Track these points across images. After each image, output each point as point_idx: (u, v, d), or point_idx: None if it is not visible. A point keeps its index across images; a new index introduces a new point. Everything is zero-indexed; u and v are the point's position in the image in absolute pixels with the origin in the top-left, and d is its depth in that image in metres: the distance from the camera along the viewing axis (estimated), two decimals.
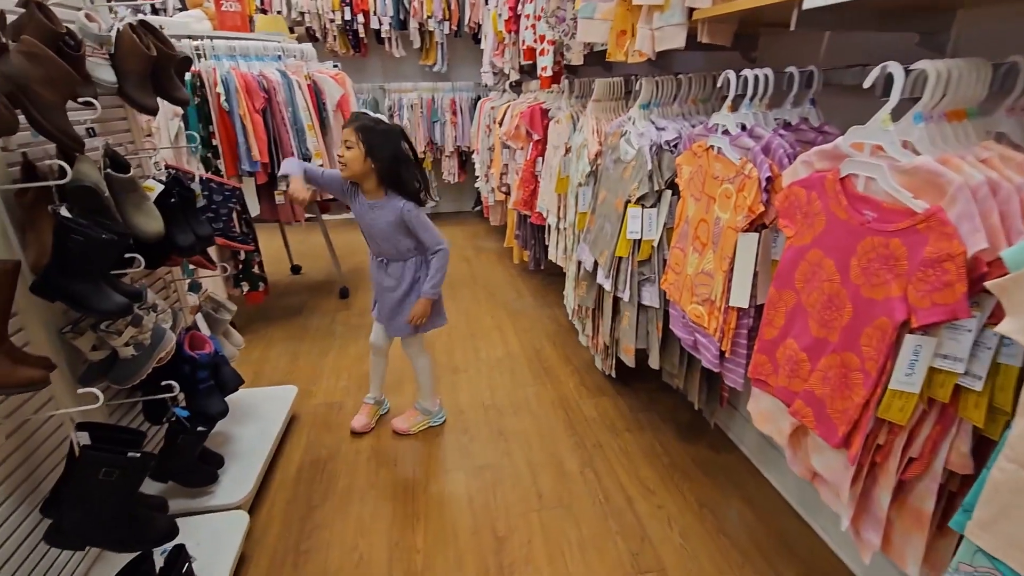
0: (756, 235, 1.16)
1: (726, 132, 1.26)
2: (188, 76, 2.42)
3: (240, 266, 2.78)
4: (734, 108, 1.26)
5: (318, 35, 4.63)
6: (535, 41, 2.41)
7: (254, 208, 2.87)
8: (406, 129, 4.85)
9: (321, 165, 2.84)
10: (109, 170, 1.29)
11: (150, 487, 1.59)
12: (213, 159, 2.52)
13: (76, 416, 1.27)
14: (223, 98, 2.44)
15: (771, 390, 1.08)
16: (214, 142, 2.50)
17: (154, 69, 1.46)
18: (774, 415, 1.10)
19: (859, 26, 1.13)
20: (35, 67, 1.03)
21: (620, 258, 1.70)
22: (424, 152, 5.00)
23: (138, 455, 1.18)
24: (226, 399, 1.75)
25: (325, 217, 3.43)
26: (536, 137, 2.80)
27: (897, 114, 0.86)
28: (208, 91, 2.44)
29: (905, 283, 0.81)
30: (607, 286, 1.78)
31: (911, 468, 0.86)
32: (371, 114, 1.67)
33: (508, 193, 3.47)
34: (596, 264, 1.89)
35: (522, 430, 2.07)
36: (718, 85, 1.29)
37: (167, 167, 1.73)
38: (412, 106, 4.85)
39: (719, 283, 1.26)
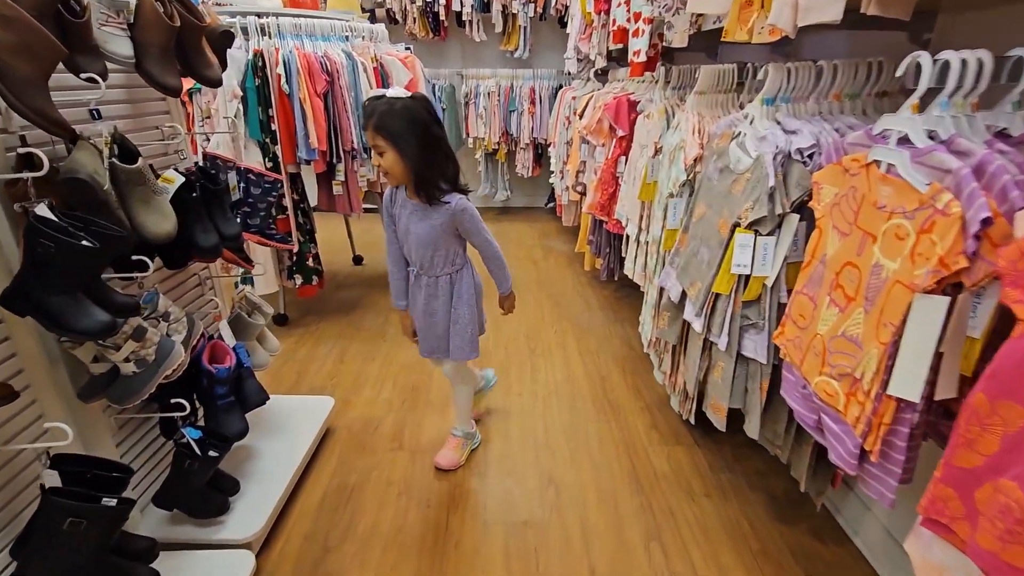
0: (945, 300, 0.78)
1: (904, 141, 0.87)
2: (249, 56, 2.28)
3: (294, 257, 2.66)
4: (921, 107, 0.87)
5: (398, 17, 4.47)
6: (628, 20, 2.05)
7: (314, 198, 2.73)
8: (482, 117, 4.65)
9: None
10: (114, 159, 1.11)
11: (151, 516, 1.44)
12: (271, 145, 2.39)
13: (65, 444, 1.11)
14: (283, 80, 2.28)
15: (959, 544, 0.71)
16: (273, 126, 2.35)
17: (180, 43, 1.27)
18: None
19: None
20: (6, 33, 0.84)
21: (718, 294, 1.34)
22: (498, 143, 4.75)
23: (113, 503, 0.99)
24: (256, 408, 1.59)
25: None
26: (621, 133, 2.44)
27: None
28: (269, 72, 2.28)
29: None
30: (697, 326, 1.42)
31: None
32: (382, 95, 1.34)
33: (583, 194, 3.14)
34: (684, 294, 1.53)
35: (577, 480, 1.76)
36: (900, 72, 0.90)
37: (205, 155, 1.56)
38: (489, 94, 4.59)
39: (873, 358, 0.88)
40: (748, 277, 1.25)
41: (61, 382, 1.20)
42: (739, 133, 1.32)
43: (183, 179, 1.28)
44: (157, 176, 1.27)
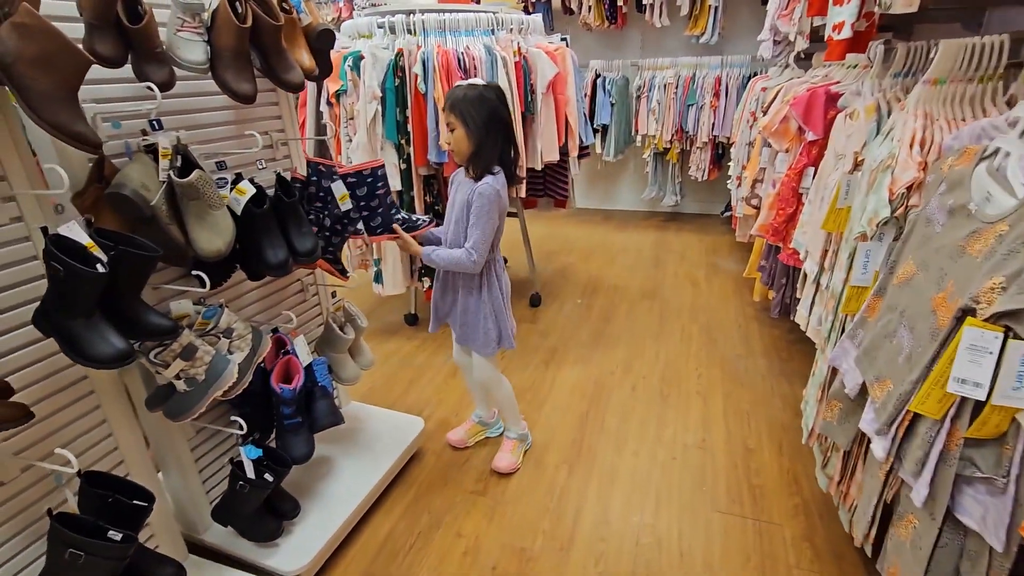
0: None
1: None
2: (392, 55, 2.24)
3: None
4: None
5: (573, 7, 4.21)
6: None
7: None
8: (654, 112, 4.16)
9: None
10: (171, 172, 1.05)
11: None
12: (406, 147, 2.33)
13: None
14: (420, 79, 2.19)
15: None
16: (408, 127, 2.29)
17: (260, 45, 1.19)
18: None
19: None
20: (25, 43, 0.78)
21: (920, 415, 0.83)
22: (671, 141, 4.21)
23: (117, 538, 0.94)
24: (344, 419, 1.54)
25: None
26: (811, 137, 1.86)
27: None
28: (407, 71, 2.22)
29: None
30: (878, 451, 0.92)
31: None
32: (467, 83, 1.45)
33: (758, 208, 2.54)
34: (864, 387, 1.02)
35: None
36: None
37: (308, 161, 1.51)
38: (665, 86, 4.08)
39: None
40: (984, 405, 0.73)
41: (133, 385, 1.23)
42: (995, 152, 0.78)
43: (254, 191, 1.21)
44: (233, 186, 1.22)
